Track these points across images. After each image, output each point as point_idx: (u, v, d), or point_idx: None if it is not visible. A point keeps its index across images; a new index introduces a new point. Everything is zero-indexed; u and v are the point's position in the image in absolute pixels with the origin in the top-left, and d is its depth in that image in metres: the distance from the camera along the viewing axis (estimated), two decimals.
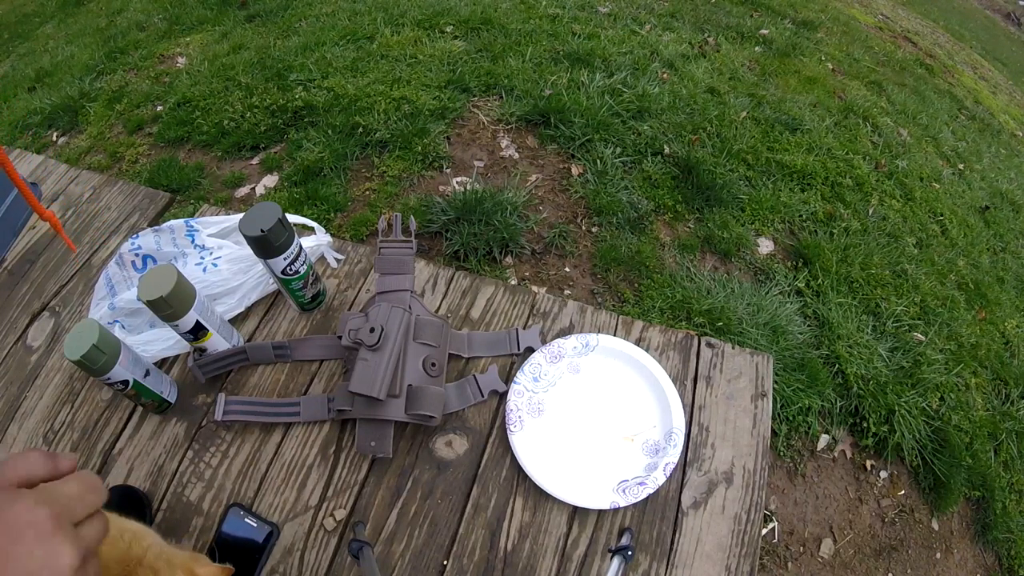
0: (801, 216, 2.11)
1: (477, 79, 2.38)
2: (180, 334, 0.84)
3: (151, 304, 0.76)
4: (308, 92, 2.34)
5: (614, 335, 0.94)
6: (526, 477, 0.81)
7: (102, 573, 0.38)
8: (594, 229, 1.91)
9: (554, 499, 0.80)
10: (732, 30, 3.24)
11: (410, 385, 0.84)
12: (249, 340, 0.97)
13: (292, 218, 0.92)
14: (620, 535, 0.78)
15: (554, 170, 2.08)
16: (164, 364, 0.95)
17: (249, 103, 2.32)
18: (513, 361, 0.93)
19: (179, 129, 2.30)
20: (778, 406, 1.55)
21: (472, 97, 2.33)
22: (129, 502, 0.82)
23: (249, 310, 1.00)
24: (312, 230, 1.05)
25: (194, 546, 0.80)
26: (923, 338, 1.86)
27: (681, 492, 0.82)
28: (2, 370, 0.98)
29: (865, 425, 1.63)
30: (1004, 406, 1.86)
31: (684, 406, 0.87)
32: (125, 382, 0.79)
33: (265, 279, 0.99)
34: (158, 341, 0.92)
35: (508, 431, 0.84)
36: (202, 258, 0.95)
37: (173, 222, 1.00)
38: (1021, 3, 8.64)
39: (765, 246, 2.00)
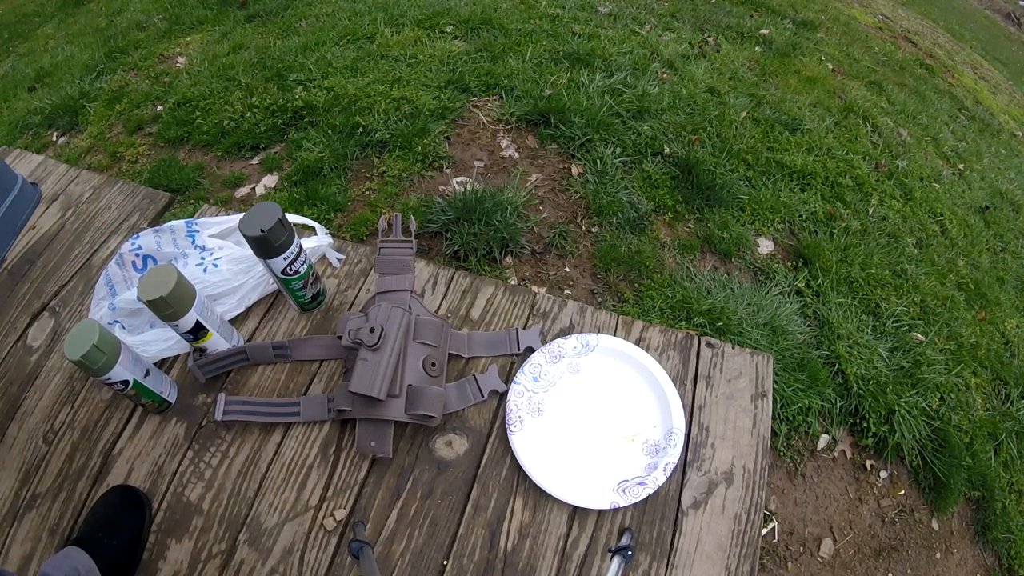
0: (801, 216, 2.10)
1: (477, 79, 2.37)
2: (180, 334, 0.84)
3: (151, 304, 0.76)
4: (308, 92, 2.34)
5: (614, 335, 0.95)
6: (526, 477, 0.81)
7: None
8: (594, 229, 1.91)
9: (554, 499, 0.80)
10: (732, 30, 3.24)
11: (410, 385, 0.84)
12: (249, 340, 0.97)
13: (292, 218, 0.92)
14: (620, 535, 0.78)
15: (554, 170, 2.08)
16: (164, 364, 0.95)
17: (249, 103, 2.32)
18: (513, 361, 0.93)
19: (179, 129, 2.30)
20: (778, 406, 1.55)
21: (472, 97, 2.33)
22: (129, 502, 0.82)
23: (249, 310, 1.00)
24: (312, 230, 1.05)
25: (194, 547, 0.80)
26: (923, 338, 1.86)
27: (681, 492, 0.82)
28: (2, 370, 0.98)
29: (865, 425, 1.63)
30: (1004, 406, 1.86)
31: (684, 406, 0.87)
32: (125, 382, 0.79)
33: (265, 279, 0.99)
34: (158, 341, 0.92)
35: (508, 431, 0.84)
36: (202, 258, 0.95)
37: (174, 223, 1.00)
38: (1021, 3, 8.64)
39: (765, 246, 2.00)
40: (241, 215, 0.88)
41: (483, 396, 0.89)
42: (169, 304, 0.77)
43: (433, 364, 0.88)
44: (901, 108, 3.09)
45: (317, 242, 1.03)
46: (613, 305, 1.72)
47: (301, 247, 0.87)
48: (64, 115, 2.54)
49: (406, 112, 2.21)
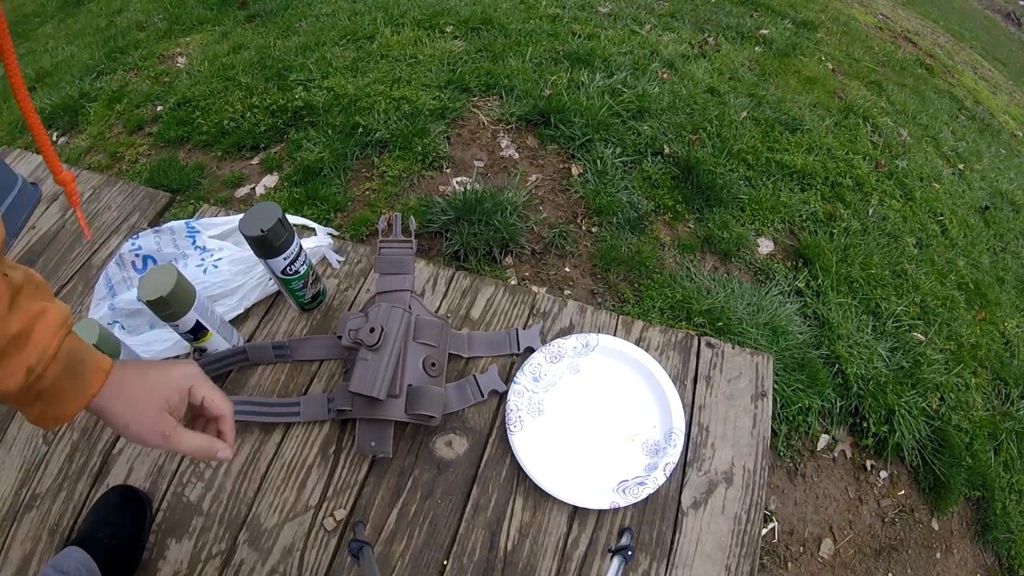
0: (801, 216, 2.10)
1: (477, 79, 2.37)
2: (180, 334, 0.84)
3: (151, 304, 0.76)
4: (308, 92, 2.34)
5: (614, 335, 0.95)
6: (526, 477, 0.81)
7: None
8: (594, 229, 1.91)
9: (554, 499, 0.80)
10: (732, 30, 3.24)
11: (410, 385, 0.84)
12: (249, 340, 0.97)
13: (292, 218, 0.92)
14: (620, 535, 0.78)
15: (554, 170, 2.08)
16: None
17: (249, 103, 2.32)
18: (513, 361, 0.93)
19: (179, 129, 2.30)
20: (778, 406, 1.55)
21: (472, 97, 2.33)
22: (129, 502, 0.82)
23: (249, 310, 1.00)
24: (313, 231, 1.05)
25: (194, 547, 0.80)
26: (923, 338, 1.86)
27: (681, 492, 0.82)
28: None
29: (865, 425, 1.63)
30: (1004, 406, 1.86)
31: (684, 406, 0.87)
32: None
33: (265, 280, 0.99)
34: (158, 342, 0.92)
35: (508, 431, 0.84)
36: (203, 259, 0.95)
37: (174, 223, 1.00)
38: (1021, 3, 8.64)
39: (765, 246, 2.00)
40: (241, 215, 0.88)
41: (483, 396, 0.89)
42: (169, 304, 0.76)
43: (433, 364, 0.88)
44: (901, 108, 3.09)
45: (317, 242, 1.03)
46: (613, 305, 1.72)
47: (301, 247, 0.87)
48: (64, 115, 2.54)
49: (406, 112, 2.21)
